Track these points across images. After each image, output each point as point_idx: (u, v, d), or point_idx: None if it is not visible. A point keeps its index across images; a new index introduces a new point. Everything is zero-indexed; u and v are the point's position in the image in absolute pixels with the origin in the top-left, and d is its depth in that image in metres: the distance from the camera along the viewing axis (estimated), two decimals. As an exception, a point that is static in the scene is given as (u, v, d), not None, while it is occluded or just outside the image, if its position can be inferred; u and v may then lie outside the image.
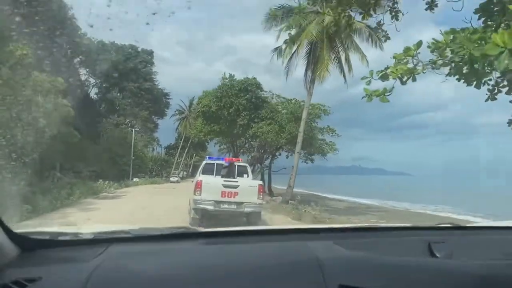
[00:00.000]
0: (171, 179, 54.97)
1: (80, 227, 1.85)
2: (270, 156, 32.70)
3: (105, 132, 52.10)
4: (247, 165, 13.40)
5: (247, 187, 10.88)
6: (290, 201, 20.42)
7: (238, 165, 12.22)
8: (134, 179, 48.61)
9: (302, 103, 27.33)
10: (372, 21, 5.67)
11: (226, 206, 10.63)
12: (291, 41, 21.36)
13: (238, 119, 27.06)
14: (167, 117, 66.62)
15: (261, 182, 12.21)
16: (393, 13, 5.01)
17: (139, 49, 63.55)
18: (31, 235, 1.61)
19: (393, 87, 3.69)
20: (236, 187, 10.67)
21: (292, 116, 26.91)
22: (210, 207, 10.47)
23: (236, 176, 11.55)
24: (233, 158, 15.41)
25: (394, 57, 3.63)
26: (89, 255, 1.48)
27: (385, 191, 53.71)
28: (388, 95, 3.71)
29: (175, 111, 64.13)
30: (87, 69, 57.30)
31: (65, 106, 18.83)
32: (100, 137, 50.79)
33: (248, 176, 12.04)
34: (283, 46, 21.85)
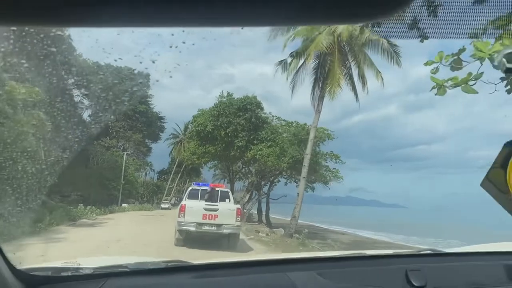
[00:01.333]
0: (162, 205, 52.11)
1: (81, 261, 1.91)
2: (269, 182, 29.60)
3: (95, 155, 49.72)
4: (229, 190, 14.03)
5: (226, 210, 11.61)
6: (294, 235, 17.31)
7: (220, 191, 13.04)
8: (123, 205, 45.64)
9: (305, 125, 24.67)
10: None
11: (207, 227, 11.38)
12: (297, 55, 18.92)
13: (236, 140, 24.16)
14: (161, 141, 64.10)
15: (239, 206, 12.94)
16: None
17: (136, 72, 61.64)
18: (35, 271, 1.68)
19: (481, 72, 2.50)
20: (216, 210, 11.47)
21: (294, 139, 24.10)
22: (192, 229, 11.29)
23: (218, 200, 12.33)
24: (218, 184, 16.51)
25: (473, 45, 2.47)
26: None
27: (385, 224, 50.51)
28: (473, 85, 2.62)
29: (169, 135, 61.68)
30: (81, 91, 55.77)
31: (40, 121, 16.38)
32: (90, 160, 48.56)
33: (230, 201, 12.74)
34: (289, 60, 19.34)
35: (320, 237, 18.64)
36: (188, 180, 65.30)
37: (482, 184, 1.31)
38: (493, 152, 1.27)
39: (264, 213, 31.74)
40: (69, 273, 1.69)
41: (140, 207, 45.67)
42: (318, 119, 18.57)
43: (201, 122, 24.31)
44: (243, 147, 24.24)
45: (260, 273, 1.86)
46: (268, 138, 24.19)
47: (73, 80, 43.02)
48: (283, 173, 25.96)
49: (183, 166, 59.95)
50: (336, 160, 27.64)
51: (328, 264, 1.96)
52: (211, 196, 12.38)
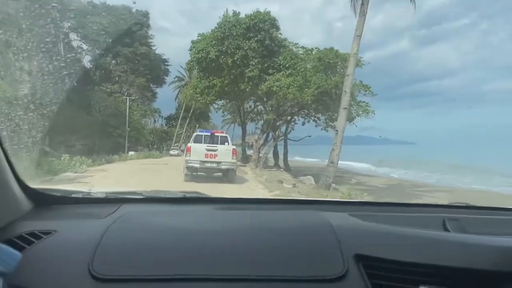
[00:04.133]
0: (171, 152, 48.68)
1: (92, 187, 1.85)
2: (286, 122, 24.34)
3: (98, 101, 45.39)
4: (227, 135, 15.10)
5: (224, 150, 13.47)
6: (332, 184, 12.44)
7: (220, 136, 14.60)
8: (130, 153, 41.60)
9: (332, 49, 18.98)
10: None
11: (208, 164, 13.22)
12: None
13: (247, 69, 18.55)
14: (166, 85, 59.03)
15: (234, 147, 14.19)
16: None
17: (133, 10, 55.07)
18: (46, 191, 1.60)
19: None
20: (215, 150, 13.35)
21: (320, 65, 18.49)
22: (197, 165, 13.18)
23: (218, 143, 13.92)
24: (218, 131, 17.03)
25: None
26: (102, 212, 1.48)
27: (408, 161, 45.67)
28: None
29: (174, 78, 56.17)
30: (78, 34, 50.64)
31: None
32: (92, 107, 44.56)
33: (228, 144, 14.11)
34: None
35: (364, 185, 13.97)
36: (197, 125, 61.21)
37: None
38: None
39: (281, 156, 27.03)
40: (81, 196, 1.64)
41: (146, 155, 41.52)
42: (363, 24, 12.73)
43: (202, 48, 18.42)
44: (256, 77, 18.67)
45: (286, 210, 1.70)
46: (287, 65, 18.55)
47: (69, 24, 39.25)
48: (307, 108, 20.51)
49: (191, 111, 55.40)
50: (366, 91, 21.96)
51: (362, 207, 1.86)
52: (212, 140, 13.95)
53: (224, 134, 15.06)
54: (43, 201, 1.54)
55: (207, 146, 13.39)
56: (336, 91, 18.57)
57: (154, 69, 55.60)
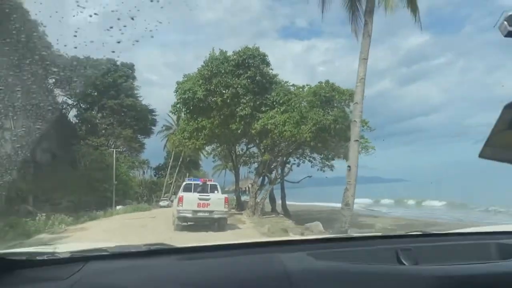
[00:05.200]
0: (161, 203, 46.54)
1: (57, 246, 1.77)
2: (281, 162, 22.48)
3: (83, 155, 43.53)
4: (217, 184, 15.05)
5: (216, 199, 13.33)
6: (348, 230, 10.35)
7: (210, 184, 14.54)
8: (118, 207, 39.42)
9: (327, 82, 17.73)
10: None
11: (201, 214, 13.02)
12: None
13: (238, 108, 16.95)
14: (154, 135, 57.45)
15: (226, 195, 14.45)
16: None
17: (118, 63, 54.58)
18: (8, 256, 1.54)
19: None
20: (208, 199, 13.19)
21: (316, 99, 17.03)
22: (189, 215, 13.03)
23: (208, 191, 13.85)
24: (207, 179, 17.01)
25: None
26: (66, 273, 1.43)
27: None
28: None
29: (162, 127, 54.76)
30: (63, 89, 49.69)
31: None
32: (77, 162, 42.68)
33: (218, 192, 14.21)
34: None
35: (375, 227, 11.95)
36: (187, 174, 59.13)
37: (481, 155, 1.24)
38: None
39: (278, 201, 24.88)
40: (45, 257, 1.55)
41: (135, 208, 39.18)
42: (368, 46, 11.08)
43: (189, 88, 16.79)
44: (248, 116, 16.99)
45: (248, 254, 1.68)
46: (280, 101, 17.00)
47: (52, 80, 38.26)
48: (305, 147, 18.72)
49: (180, 159, 53.57)
50: (363, 126, 20.42)
51: (319, 245, 1.85)
52: (203, 189, 13.81)
53: (213, 182, 15.05)
54: (6, 266, 1.46)
55: (200, 195, 13.29)
56: (335, 126, 17.01)
57: (141, 120, 54.24)
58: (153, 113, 57.50)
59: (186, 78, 17.84)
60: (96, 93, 51.74)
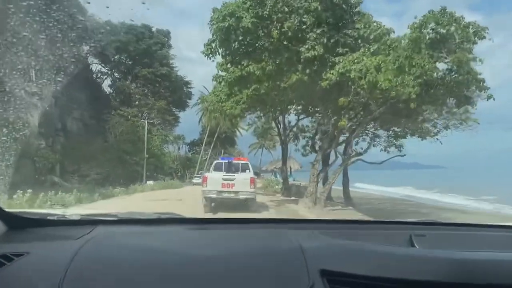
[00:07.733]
0: (194, 180, 42.26)
1: (67, 210, 1.81)
2: (352, 135, 16.06)
3: (114, 126, 39.70)
4: (248, 162, 14.14)
5: (242, 179, 12.44)
6: None
7: (241, 163, 13.68)
8: (148, 182, 34.94)
9: (444, 9, 11.21)
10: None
11: (226, 194, 12.33)
12: None
13: (303, 46, 10.76)
14: (189, 108, 52.89)
15: (252, 175, 12.96)
16: None
17: (154, 29, 49.77)
18: (20, 214, 1.57)
19: None
20: (232, 179, 12.37)
21: (422, 38, 10.54)
22: (214, 195, 12.30)
23: (240, 171, 12.97)
24: (240, 158, 17.41)
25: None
26: (76, 234, 1.45)
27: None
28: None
29: (197, 99, 49.94)
30: (97, 58, 46.07)
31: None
32: (107, 133, 39.13)
33: (250, 171, 13.19)
34: None
35: None
36: (223, 151, 54.60)
37: None
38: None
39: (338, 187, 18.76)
40: (55, 218, 1.62)
41: (165, 185, 34.53)
42: None
43: (231, 12, 10.71)
44: (319, 59, 10.81)
45: (261, 228, 1.70)
46: (371, 38, 10.70)
47: (87, 47, 34.82)
48: (407, 108, 11.80)
49: (216, 135, 48.42)
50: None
51: (333, 225, 1.85)
52: (230, 168, 13.03)
53: (244, 161, 14.29)
54: (17, 224, 1.51)
55: (224, 175, 12.61)
56: (450, 78, 10.56)
57: (176, 91, 49.76)
58: (189, 86, 52.88)
59: (224, 5, 11.48)
60: (129, 61, 47.87)
